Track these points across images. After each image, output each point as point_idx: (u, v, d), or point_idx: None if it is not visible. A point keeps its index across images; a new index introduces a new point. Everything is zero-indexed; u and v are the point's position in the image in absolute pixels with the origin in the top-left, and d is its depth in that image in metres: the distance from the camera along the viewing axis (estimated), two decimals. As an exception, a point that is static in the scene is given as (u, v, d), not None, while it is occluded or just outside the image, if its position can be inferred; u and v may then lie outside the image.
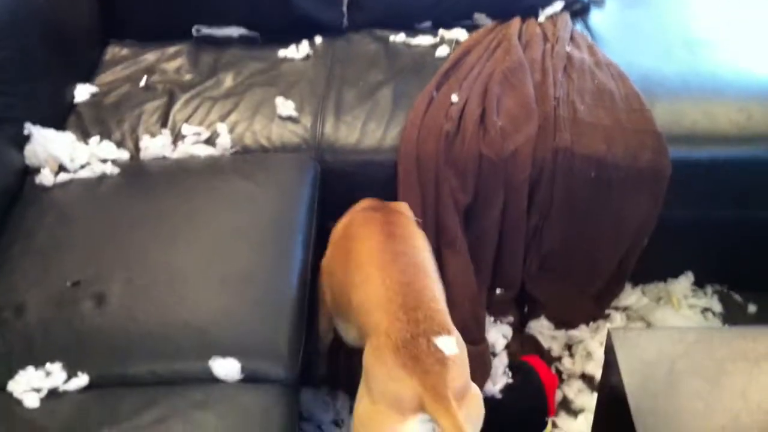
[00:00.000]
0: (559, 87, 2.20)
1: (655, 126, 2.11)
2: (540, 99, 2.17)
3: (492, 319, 2.30)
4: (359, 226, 1.87)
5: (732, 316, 2.41)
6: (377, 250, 1.76)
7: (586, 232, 2.21)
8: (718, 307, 2.44)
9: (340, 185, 2.16)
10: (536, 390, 2.09)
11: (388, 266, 1.71)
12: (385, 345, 1.54)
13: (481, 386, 2.03)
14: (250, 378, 1.61)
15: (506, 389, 2.08)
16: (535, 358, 2.19)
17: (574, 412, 2.16)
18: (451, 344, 1.55)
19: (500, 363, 2.15)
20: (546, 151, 2.10)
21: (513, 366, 2.15)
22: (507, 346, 2.24)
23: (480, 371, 2.07)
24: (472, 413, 1.53)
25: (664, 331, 1.63)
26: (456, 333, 1.62)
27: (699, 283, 2.47)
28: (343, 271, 1.79)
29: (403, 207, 2.00)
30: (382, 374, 1.52)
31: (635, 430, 1.39)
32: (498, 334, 2.25)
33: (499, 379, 2.10)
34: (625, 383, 1.46)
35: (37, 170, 2.05)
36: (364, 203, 2.00)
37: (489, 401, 2.03)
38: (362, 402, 1.55)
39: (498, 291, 2.32)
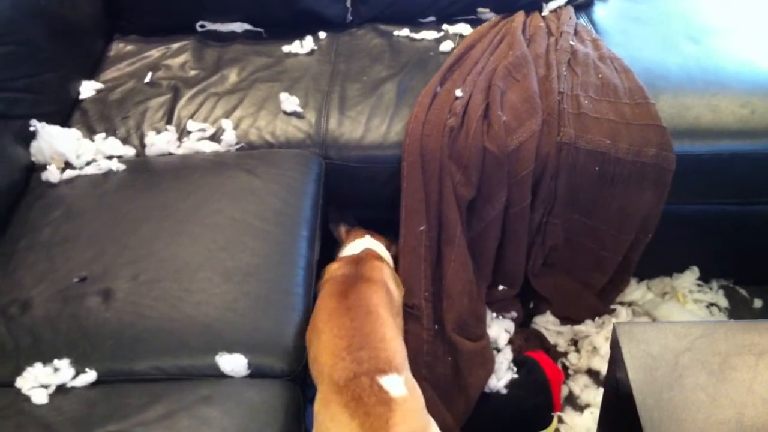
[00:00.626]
0: (563, 81, 2.19)
1: (659, 120, 2.11)
2: (544, 93, 2.17)
3: (494, 314, 2.30)
4: (321, 297, 1.80)
5: (737, 311, 2.41)
6: (330, 307, 1.72)
7: (589, 227, 2.21)
8: (723, 301, 2.44)
9: (344, 181, 2.17)
10: (541, 385, 2.09)
11: (338, 317, 1.68)
12: (328, 386, 1.53)
13: (484, 383, 2.04)
14: (255, 373, 1.62)
15: (511, 384, 2.07)
16: (540, 354, 2.20)
17: (580, 408, 2.17)
18: (397, 384, 1.51)
19: (504, 358, 2.15)
20: (550, 146, 2.09)
21: (518, 361, 2.15)
22: (510, 341, 2.24)
23: (483, 367, 2.07)
24: None
25: (670, 325, 1.63)
26: (407, 373, 1.58)
27: (704, 278, 2.47)
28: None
29: (372, 264, 1.93)
30: (326, 418, 1.50)
31: (641, 424, 1.39)
32: (500, 329, 2.25)
33: (504, 374, 2.09)
34: (631, 378, 1.46)
35: (43, 167, 2.07)
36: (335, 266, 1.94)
37: (494, 397, 2.05)
38: None
39: (500, 288, 2.32)
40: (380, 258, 1.97)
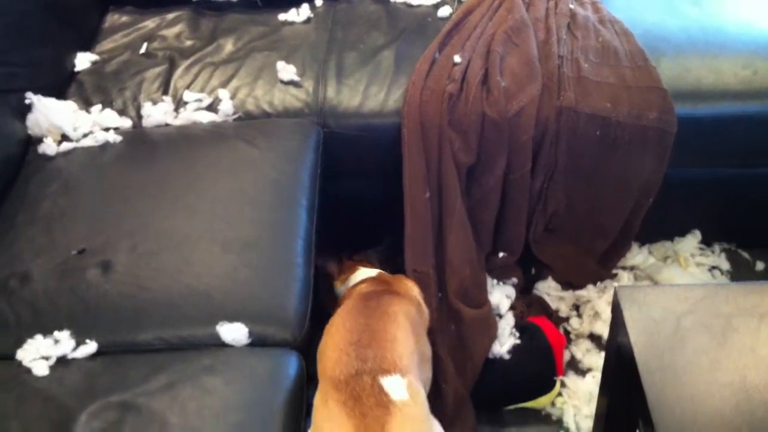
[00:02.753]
0: (562, 45, 2.17)
1: (660, 83, 2.09)
2: (544, 58, 2.14)
3: (494, 281, 2.30)
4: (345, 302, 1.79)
5: (740, 274, 2.41)
6: (350, 306, 1.71)
7: (591, 191, 2.20)
8: (725, 265, 2.44)
9: (343, 149, 2.15)
10: (544, 350, 2.09)
11: (355, 314, 1.67)
12: (330, 381, 1.50)
13: (487, 349, 2.04)
14: (257, 342, 1.61)
15: (514, 350, 2.08)
16: (542, 319, 2.20)
17: (582, 372, 2.17)
18: (399, 387, 1.47)
19: (507, 324, 2.15)
20: (550, 111, 2.08)
21: (520, 327, 2.15)
22: (512, 307, 2.24)
23: (486, 333, 2.07)
24: None
25: (671, 288, 1.62)
26: (411, 378, 1.52)
27: (706, 242, 2.47)
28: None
29: (404, 282, 1.93)
30: (323, 415, 1.47)
31: (643, 387, 1.38)
32: (501, 295, 2.24)
33: (507, 340, 2.10)
34: (633, 341, 1.45)
35: (39, 140, 2.05)
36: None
37: (497, 362, 2.05)
38: None
39: (500, 255, 2.32)
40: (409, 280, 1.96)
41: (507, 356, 2.07)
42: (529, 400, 2.07)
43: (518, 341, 2.10)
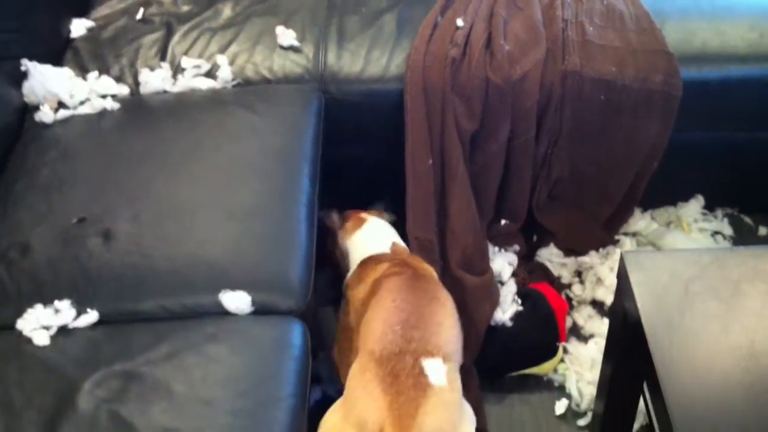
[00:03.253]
0: (567, 8, 2.14)
1: (665, 46, 2.06)
2: (548, 21, 2.12)
3: (496, 248, 2.28)
4: (387, 279, 1.74)
5: (742, 239, 2.40)
6: (401, 280, 1.70)
7: (595, 157, 2.18)
8: (728, 230, 2.42)
9: (345, 116, 2.12)
10: (546, 316, 2.08)
11: (406, 290, 1.66)
12: (371, 354, 1.50)
13: (490, 317, 2.03)
14: (261, 311, 1.60)
15: (516, 316, 2.07)
16: (544, 285, 2.19)
17: (584, 338, 2.17)
18: (439, 371, 1.48)
19: (509, 291, 2.14)
20: (555, 75, 2.05)
21: (522, 294, 2.14)
22: (514, 274, 2.23)
23: (488, 301, 2.05)
24: None
25: (679, 253, 1.61)
26: (452, 365, 1.53)
27: (709, 207, 2.45)
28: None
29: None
30: (359, 386, 1.47)
31: (650, 352, 1.38)
32: (504, 262, 2.23)
33: (509, 307, 2.09)
34: (639, 306, 1.44)
35: (36, 107, 2.02)
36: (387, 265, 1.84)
37: (499, 330, 2.04)
38: (333, 414, 1.50)
39: (503, 222, 2.30)
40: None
41: (509, 323, 2.06)
42: (532, 366, 2.07)
43: (520, 308, 2.09)
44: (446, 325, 1.63)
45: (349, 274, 1.92)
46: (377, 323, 1.58)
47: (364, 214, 2.06)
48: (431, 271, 1.88)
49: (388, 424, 1.38)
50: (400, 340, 1.52)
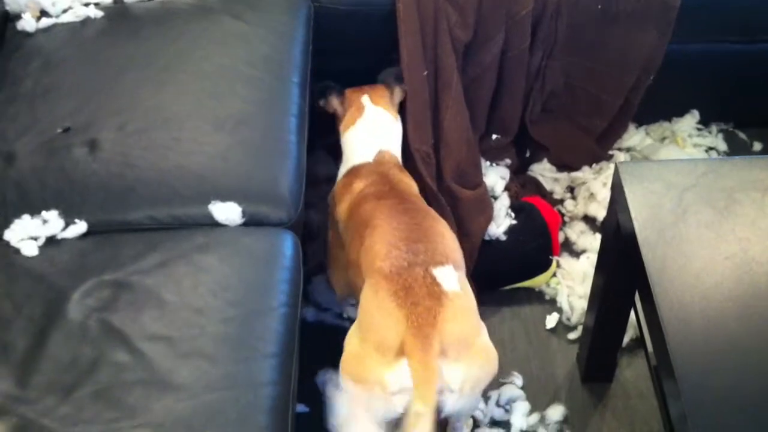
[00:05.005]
0: None
1: (664, -46, 2.01)
2: (544, -72, 2.05)
3: (488, 163, 2.27)
4: (371, 204, 1.71)
5: (737, 155, 2.39)
6: (388, 205, 1.67)
7: (591, 68, 2.15)
8: (722, 145, 2.42)
9: (335, 25, 2.08)
10: (540, 229, 2.08)
11: (398, 214, 1.64)
12: (379, 272, 1.48)
13: (484, 229, 2.02)
14: (251, 222, 1.58)
15: (510, 230, 2.06)
16: (537, 199, 2.17)
17: (576, 253, 2.17)
18: (451, 278, 1.47)
19: (502, 205, 2.13)
20: (550, -16, 2.00)
21: (515, 207, 2.12)
22: (507, 188, 2.21)
23: (482, 214, 2.05)
24: (471, 370, 1.41)
25: (673, 163, 1.60)
26: (462, 272, 1.52)
27: (704, 122, 2.44)
28: (357, 237, 1.67)
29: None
30: (373, 305, 1.45)
31: (643, 261, 1.37)
32: (496, 177, 2.22)
33: (503, 221, 2.08)
34: (633, 216, 1.44)
35: (18, 16, 1.96)
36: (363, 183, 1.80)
37: (494, 243, 2.04)
38: (353, 337, 1.48)
39: (494, 137, 2.27)
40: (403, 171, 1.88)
41: (503, 237, 2.05)
42: (526, 279, 2.07)
43: (514, 222, 2.08)
44: (447, 236, 1.62)
45: (336, 183, 1.90)
46: (380, 245, 1.56)
47: (365, 99, 1.93)
48: (411, 184, 1.86)
49: (408, 336, 1.37)
50: (406, 254, 1.51)
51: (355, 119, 1.92)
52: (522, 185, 2.25)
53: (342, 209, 1.80)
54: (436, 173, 2.05)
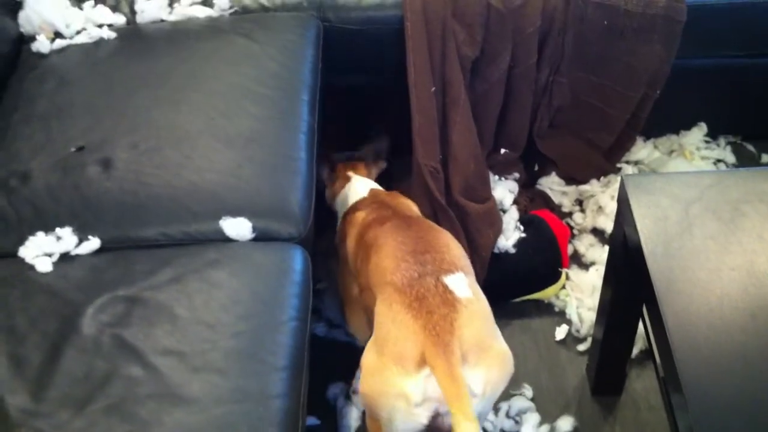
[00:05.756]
0: (569, -68, 2.10)
1: (669, -30, 2.03)
2: (550, -54, 2.07)
3: (496, 177, 2.28)
4: (378, 227, 1.75)
5: (745, 167, 2.38)
6: (392, 225, 1.70)
7: (597, 84, 2.16)
8: (731, 158, 2.42)
9: (344, 44, 2.10)
10: (549, 241, 2.09)
11: (402, 230, 1.66)
12: (391, 286, 1.49)
13: (493, 243, 2.03)
14: (261, 237, 1.60)
15: (519, 243, 2.08)
16: (545, 212, 2.19)
17: (585, 266, 2.18)
18: (462, 284, 1.48)
19: (511, 218, 2.15)
20: (557, 1, 2.02)
21: (524, 220, 2.14)
22: (515, 202, 2.23)
23: (491, 228, 2.06)
24: (491, 373, 1.41)
25: (679, 175, 1.60)
26: (471, 278, 1.54)
27: (712, 135, 2.44)
28: (366, 260, 1.69)
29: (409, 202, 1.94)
30: (388, 319, 1.46)
31: (650, 274, 1.38)
32: (505, 191, 2.23)
33: (512, 234, 2.09)
34: (639, 228, 1.44)
35: (32, 38, 2.01)
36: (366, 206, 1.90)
37: (503, 257, 2.05)
38: (369, 353, 1.48)
39: (502, 151, 2.29)
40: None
41: (513, 250, 2.07)
42: (536, 291, 2.09)
43: (523, 235, 2.09)
44: (452, 245, 1.64)
45: (338, 228, 1.95)
46: (388, 261, 1.57)
47: (350, 173, 2.06)
48: (410, 205, 1.91)
49: (428, 345, 1.37)
50: (414, 266, 1.52)
51: (342, 186, 2.03)
52: (531, 199, 2.26)
53: (350, 243, 1.82)
54: (444, 188, 2.07)
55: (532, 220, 2.14)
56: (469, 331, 1.41)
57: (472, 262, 1.76)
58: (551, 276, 2.08)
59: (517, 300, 2.10)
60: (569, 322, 2.06)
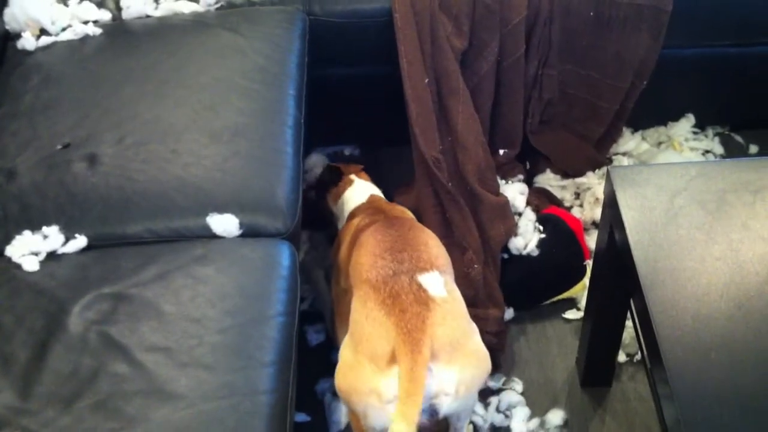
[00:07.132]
0: None
1: (655, -41, 2.03)
2: (535, -64, 2.07)
3: (503, 181, 2.26)
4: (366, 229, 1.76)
5: (733, 157, 2.38)
6: (375, 224, 1.71)
7: (585, 76, 2.16)
8: (719, 148, 2.42)
9: (330, 37, 2.10)
10: (569, 237, 2.09)
11: (382, 228, 1.66)
12: (367, 283, 1.50)
13: (504, 237, 2.02)
14: (248, 233, 1.60)
15: (541, 243, 2.06)
16: (554, 208, 2.18)
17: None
18: (437, 283, 1.48)
19: (528, 220, 2.12)
20: (542, -9, 2.02)
21: (540, 220, 2.13)
22: (528, 203, 2.20)
23: (502, 222, 2.04)
24: (465, 372, 1.42)
25: (665, 166, 1.60)
26: (448, 277, 1.54)
27: (700, 126, 2.44)
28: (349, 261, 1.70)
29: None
30: (362, 316, 1.47)
31: (635, 264, 1.38)
32: (515, 192, 2.20)
33: (532, 235, 2.08)
34: (625, 219, 1.45)
35: (17, 35, 2.00)
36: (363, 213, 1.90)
37: (527, 260, 2.04)
38: (345, 349, 1.49)
39: (501, 152, 2.28)
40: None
41: (536, 252, 2.05)
42: (566, 289, 2.07)
43: (543, 235, 2.08)
44: (431, 244, 1.64)
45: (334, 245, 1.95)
46: (365, 258, 1.58)
47: (353, 176, 2.06)
48: (403, 210, 1.91)
49: (399, 342, 1.38)
50: (391, 264, 1.53)
51: (344, 190, 2.03)
52: (536, 198, 2.24)
53: (343, 250, 1.81)
54: (455, 178, 2.06)
55: (548, 218, 2.13)
56: (442, 330, 1.41)
57: (484, 254, 1.75)
58: (577, 271, 2.07)
59: (547, 302, 2.08)
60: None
